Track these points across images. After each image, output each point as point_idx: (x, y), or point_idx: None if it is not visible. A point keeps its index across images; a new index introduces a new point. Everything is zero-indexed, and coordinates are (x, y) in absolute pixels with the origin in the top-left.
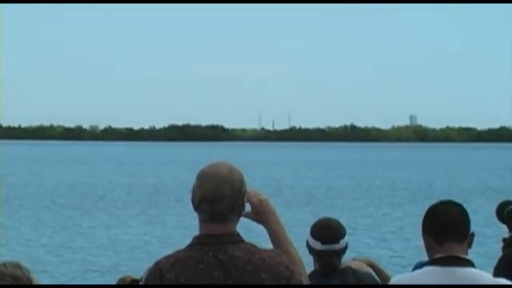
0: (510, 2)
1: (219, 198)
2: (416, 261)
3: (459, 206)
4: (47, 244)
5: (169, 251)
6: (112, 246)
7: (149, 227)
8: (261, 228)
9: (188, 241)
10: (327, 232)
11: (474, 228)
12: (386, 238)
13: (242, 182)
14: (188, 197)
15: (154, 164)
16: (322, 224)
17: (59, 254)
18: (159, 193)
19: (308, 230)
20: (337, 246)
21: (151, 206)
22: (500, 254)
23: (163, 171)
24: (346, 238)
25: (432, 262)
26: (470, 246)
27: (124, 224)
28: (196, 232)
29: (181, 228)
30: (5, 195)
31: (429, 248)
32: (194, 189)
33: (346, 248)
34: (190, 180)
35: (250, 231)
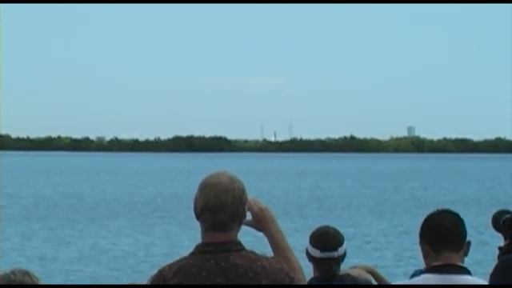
0: (510, 2)
1: (221, 207)
2: (411, 270)
3: (456, 215)
4: (35, 254)
5: (158, 262)
6: (99, 255)
7: (140, 237)
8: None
9: (178, 251)
10: (326, 240)
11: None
12: (379, 248)
13: (242, 191)
14: (183, 207)
15: (157, 174)
16: (321, 232)
17: (45, 265)
18: (154, 203)
19: (305, 237)
20: (335, 254)
21: (145, 217)
22: (495, 261)
23: (163, 181)
24: (345, 245)
25: (429, 269)
26: (466, 254)
27: (115, 234)
28: (185, 242)
29: (170, 238)
30: (2, 205)
31: (426, 256)
32: (196, 198)
33: (344, 255)
34: (187, 190)
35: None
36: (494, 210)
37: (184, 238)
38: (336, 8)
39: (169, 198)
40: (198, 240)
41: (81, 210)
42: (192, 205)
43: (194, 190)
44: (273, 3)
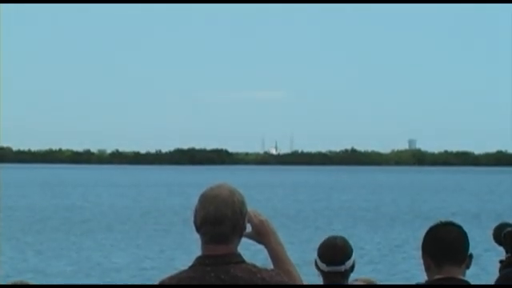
0: (510, 2)
1: (221, 220)
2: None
3: (459, 228)
4: (27, 268)
5: (149, 275)
6: (91, 269)
7: (133, 250)
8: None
9: (171, 264)
10: (332, 253)
11: None
12: (373, 261)
13: (242, 204)
14: (179, 220)
15: (157, 187)
16: (328, 245)
17: (36, 278)
18: (150, 216)
19: (300, 251)
20: (342, 268)
21: (140, 230)
22: (495, 275)
23: (162, 194)
24: (353, 257)
25: (430, 283)
26: (468, 267)
27: (108, 247)
28: (178, 256)
29: (163, 252)
30: None
31: (428, 269)
32: (195, 211)
33: (353, 267)
34: (185, 203)
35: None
36: (495, 224)
37: (178, 251)
38: (336, 22)
39: (166, 210)
40: (192, 253)
41: (75, 223)
42: (191, 217)
43: (193, 202)
44: (272, 3)
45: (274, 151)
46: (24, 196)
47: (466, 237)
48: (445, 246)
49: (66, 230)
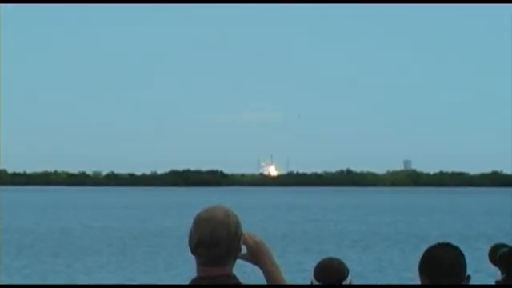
0: (510, 2)
1: (216, 242)
2: None
3: (456, 249)
4: None
5: None
6: None
7: (120, 273)
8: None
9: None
10: (328, 274)
11: None
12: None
13: (237, 225)
14: (170, 242)
15: (151, 208)
16: (324, 265)
17: None
18: (141, 238)
19: (291, 272)
20: None
21: (129, 252)
22: None
23: (155, 216)
24: (349, 277)
25: None
26: None
27: (95, 270)
28: (168, 278)
29: (151, 273)
30: None
31: None
32: (190, 233)
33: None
34: (178, 224)
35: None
36: (485, 245)
37: (169, 274)
38: (333, 44)
39: (158, 232)
40: (184, 275)
41: (65, 246)
42: (186, 238)
43: (186, 223)
44: (272, 3)
45: (270, 172)
46: (15, 218)
47: (464, 258)
48: (442, 266)
49: (54, 253)
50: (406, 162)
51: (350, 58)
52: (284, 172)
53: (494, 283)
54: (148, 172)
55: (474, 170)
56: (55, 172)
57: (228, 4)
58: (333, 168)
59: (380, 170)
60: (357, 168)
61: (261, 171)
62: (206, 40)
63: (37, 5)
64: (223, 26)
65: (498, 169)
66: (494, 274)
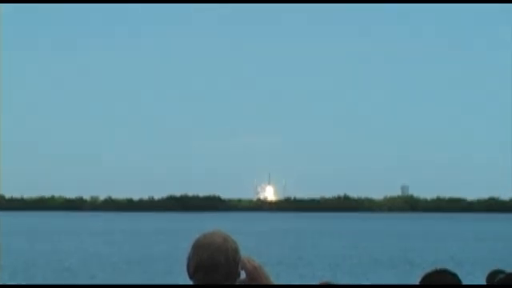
0: (510, 2)
1: (214, 267)
2: None
3: (454, 275)
4: None
5: None
6: None
7: None
8: None
9: None
10: None
11: None
12: None
13: (236, 251)
14: (163, 268)
15: (148, 234)
16: None
17: None
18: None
19: None
20: None
21: (122, 278)
22: None
23: (151, 241)
24: None
25: None
26: None
27: None
28: None
29: None
30: None
31: None
32: (189, 258)
33: None
34: (173, 250)
35: None
36: (487, 271)
37: None
38: (329, 69)
39: (153, 257)
40: None
41: (57, 271)
42: (184, 264)
43: (181, 249)
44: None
45: (267, 197)
46: (12, 243)
47: (461, 284)
48: None
49: (49, 279)
50: (403, 188)
51: (348, 84)
52: (281, 197)
53: None
54: (145, 197)
55: (471, 195)
56: (52, 197)
57: (228, 27)
58: (330, 193)
59: (377, 195)
60: (354, 193)
61: (258, 196)
62: (204, 64)
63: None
64: (221, 51)
65: (496, 195)
66: None
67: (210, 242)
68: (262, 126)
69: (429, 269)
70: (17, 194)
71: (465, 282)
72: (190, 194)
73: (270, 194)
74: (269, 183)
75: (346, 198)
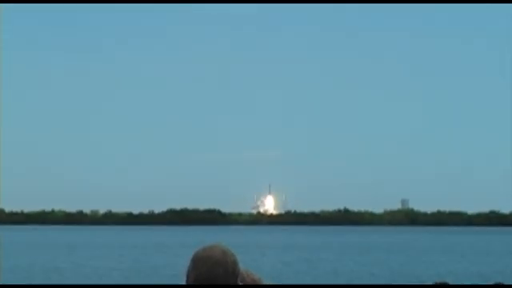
0: (510, 2)
1: (213, 281)
2: None
3: None
4: None
5: None
6: None
7: None
8: None
9: None
10: None
11: None
12: None
13: (235, 264)
14: (160, 281)
15: (147, 247)
16: None
17: None
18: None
19: None
20: None
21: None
22: None
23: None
24: None
25: None
26: None
27: None
28: None
29: None
30: None
31: None
32: (188, 271)
33: None
34: (171, 263)
35: None
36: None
37: None
38: (328, 82)
39: (152, 271)
40: None
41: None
42: (183, 277)
43: (180, 262)
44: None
45: (267, 210)
46: (12, 257)
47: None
48: None
49: None
50: (404, 201)
51: (348, 98)
52: (281, 211)
53: None
54: (145, 211)
55: (471, 209)
56: (52, 211)
57: (226, 42)
58: (330, 207)
59: (377, 209)
60: (354, 207)
61: (258, 210)
62: (204, 79)
63: None
64: (221, 65)
65: (496, 208)
66: None
67: (210, 255)
68: (262, 140)
69: (429, 282)
70: (17, 208)
71: None
72: (190, 207)
73: (270, 207)
74: (269, 197)
75: (346, 211)
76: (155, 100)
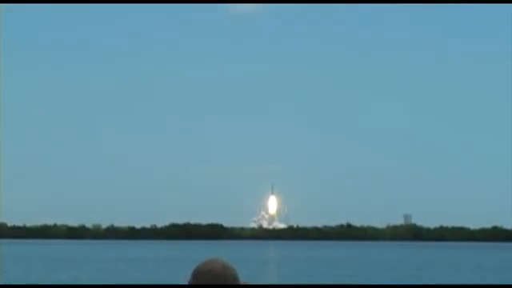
0: (510, 2)
1: None
2: None
3: None
4: None
5: None
6: None
7: None
8: None
9: None
10: None
11: None
12: None
13: (235, 278)
14: None
15: (149, 262)
16: None
17: None
18: None
19: None
20: None
21: None
22: None
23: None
24: None
25: None
26: None
27: None
28: None
29: None
30: None
31: None
32: (188, 284)
33: None
34: (170, 278)
35: None
36: None
37: None
38: (330, 97)
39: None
40: None
41: None
42: None
43: (181, 277)
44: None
45: (269, 225)
46: (14, 272)
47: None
48: None
49: None
50: (406, 217)
51: (349, 111)
52: (284, 225)
53: None
54: (148, 225)
55: (474, 224)
56: (55, 225)
57: (227, 56)
58: (333, 222)
59: (380, 224)
60: (357, 222)
61: (260, 225)
62: (204, 91)
63: None
64: (222, 78)
65: (499, 224)
66: None
67: (210, 268)
68: (264, 154)
69: None
70: (19, 222)
71: None
72: (193, 222)
73: (272, 222)
74: (271, 211)
75: (349, 226)
76: (157, 113)
